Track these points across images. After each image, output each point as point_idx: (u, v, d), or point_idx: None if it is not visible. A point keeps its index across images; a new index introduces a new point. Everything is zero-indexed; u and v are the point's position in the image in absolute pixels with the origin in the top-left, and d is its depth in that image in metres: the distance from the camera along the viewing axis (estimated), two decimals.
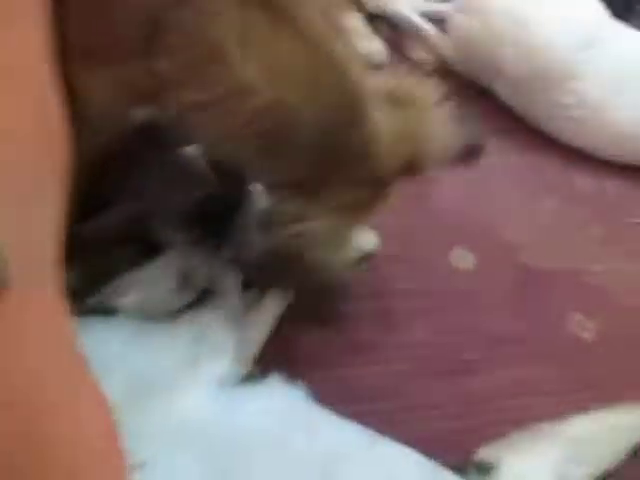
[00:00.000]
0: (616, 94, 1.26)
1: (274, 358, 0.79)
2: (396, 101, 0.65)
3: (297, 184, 0.60)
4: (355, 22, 1.58)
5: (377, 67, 1.49)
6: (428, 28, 1.52)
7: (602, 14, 1.32)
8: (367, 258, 0.97)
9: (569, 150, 1.36)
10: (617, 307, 1.06)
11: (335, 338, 0.85)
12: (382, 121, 0.62)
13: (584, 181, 1.30)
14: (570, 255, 1.12)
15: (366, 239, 0.95)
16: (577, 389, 0.91)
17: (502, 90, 1.34)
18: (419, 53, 1.54)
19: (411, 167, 0.67)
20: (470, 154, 0.75)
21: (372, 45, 1.52)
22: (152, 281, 0.71)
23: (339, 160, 0.60)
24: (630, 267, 1.14)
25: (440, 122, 0.69)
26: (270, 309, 0.81)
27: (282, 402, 0.70)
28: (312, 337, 0.85)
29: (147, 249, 0.70)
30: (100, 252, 0.66)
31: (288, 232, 0.61)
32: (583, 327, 1.00)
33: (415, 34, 1.56)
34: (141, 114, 0.56)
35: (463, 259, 1.04)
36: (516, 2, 1.30)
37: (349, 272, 0.68)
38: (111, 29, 0.54)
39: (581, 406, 0.85)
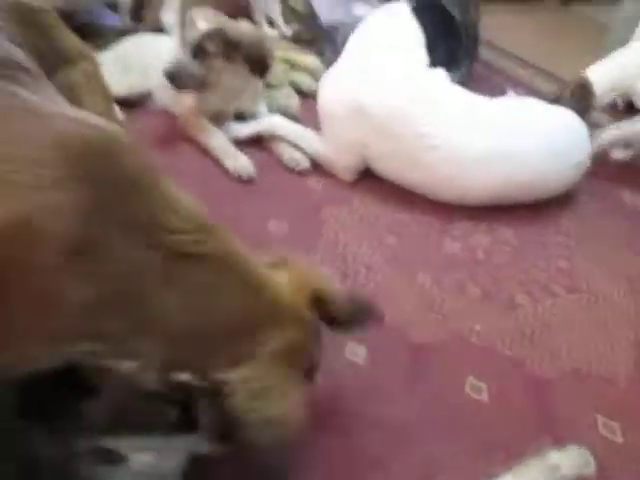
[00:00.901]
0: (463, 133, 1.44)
1: None
2: (277, 266, 0.81)
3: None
4: (221, 141, 1.67)
5: (247, 181, 1.57)
6: (302, 131, 1.66)
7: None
8: None
9: (435, 216, 1.45)
10: (502, 361, 1.10)
11: None
12: (279, 283, 0.76)
13: (453, 246, 1.38)
14: (454, 320, 1.17)
15: None
16: (483, 455, 0.92)
17: (372, 150, 1.51)
18: (294, 155, 1.64)
19: (319, 300, 0.80)
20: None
21: (238, 162, 1.60)
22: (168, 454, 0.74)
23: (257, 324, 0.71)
24: (506, 320, 1.20)
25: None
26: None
27: None
28: None
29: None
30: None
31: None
32: (478, 390, 1.03)
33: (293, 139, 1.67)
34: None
35: (355, 354, 1.06)
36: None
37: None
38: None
39: (489, 472, 0.86)
